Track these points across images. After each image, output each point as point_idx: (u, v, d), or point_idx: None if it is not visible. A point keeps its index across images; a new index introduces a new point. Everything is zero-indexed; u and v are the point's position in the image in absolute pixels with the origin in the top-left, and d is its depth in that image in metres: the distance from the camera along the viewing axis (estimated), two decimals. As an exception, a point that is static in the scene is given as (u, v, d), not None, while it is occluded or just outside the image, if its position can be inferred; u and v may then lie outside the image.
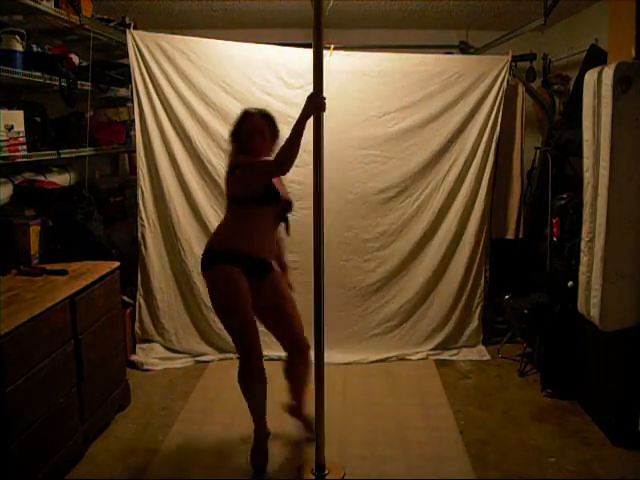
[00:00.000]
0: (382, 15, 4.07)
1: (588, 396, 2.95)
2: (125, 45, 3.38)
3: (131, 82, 3.42)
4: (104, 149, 3.62)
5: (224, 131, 3.48)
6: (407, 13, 4.02)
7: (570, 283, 2.97)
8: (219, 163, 3.51)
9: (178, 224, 3.52)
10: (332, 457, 2.45)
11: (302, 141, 3.43)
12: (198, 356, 3.56)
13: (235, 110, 3.46)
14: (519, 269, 3.89)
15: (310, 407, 2.48)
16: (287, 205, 2.52)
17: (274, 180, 2.47)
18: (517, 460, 2.53)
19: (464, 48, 4.35)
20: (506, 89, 3.63)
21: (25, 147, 2.71)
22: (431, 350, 3.67)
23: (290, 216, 2.56)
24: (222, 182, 3.49)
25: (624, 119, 2.46)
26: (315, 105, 2.22)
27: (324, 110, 2.23)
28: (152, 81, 3.41)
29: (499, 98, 3.59)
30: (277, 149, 2.40)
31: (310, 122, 2.26)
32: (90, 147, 3.34)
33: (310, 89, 2.26)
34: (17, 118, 2.67)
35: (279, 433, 2.73)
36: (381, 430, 2.75)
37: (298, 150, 2.28)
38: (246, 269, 2.40)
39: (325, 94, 2.25)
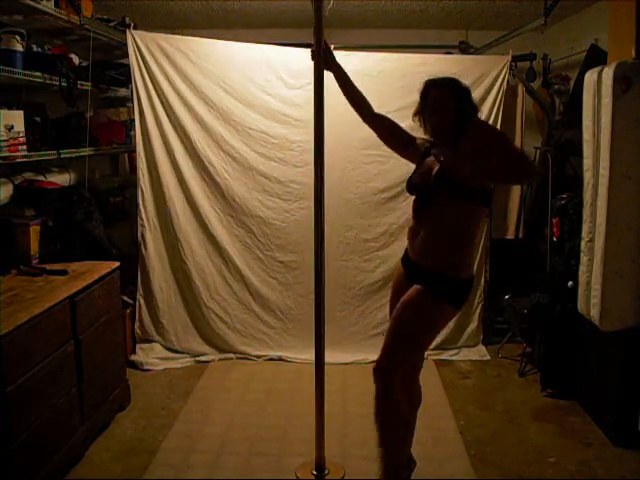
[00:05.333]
0: (382, 15, 4.07)
1: (588, 396, 2.95)
2: (125, 45, 3.38)
3: (131, 82, 3.42)
4: (104, 149, 3.62)
5: (224, 131, 3.50)
6: (407, 13, 4.02)
7: (570, 283, 2.97)
8: (219, 163, 3.51)
9: (178, 224, 3.52)
10: (332, 457, 2.45)
11: (302, 142, 3.44)
12: (198, 356, 3.56)
13: (235, 110, 3.49)
14: (519, 269, 3.89)
15: (310, 408, 2.48)
16: None
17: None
18: (517, 460, 2.53)
19: (464, 48, 4.35)
20: (506, 89, 3.63)
21: (25, 147, 2.71)
22: (431, 350, 3.66)
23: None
24: (222, 181, 3.52)
25: (624, 119, 2.46)
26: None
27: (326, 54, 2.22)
28: (152, 81, 3.41)
29: (499, 98, 3.59)
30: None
31: (310, 123, 2.29)
32: (90, 147, 3.34)
33: (310, 89, 2.27)
34: (17, 118, 2.67)
35: (279, 433, 2.73)
36: (381, 430, 2.75)
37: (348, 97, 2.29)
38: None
39: (325, 94, 2.25)
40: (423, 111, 2.12)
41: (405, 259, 2.20)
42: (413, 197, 2.15)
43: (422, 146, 2.23)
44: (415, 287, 2.05)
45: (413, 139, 2.28)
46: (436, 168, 2.05)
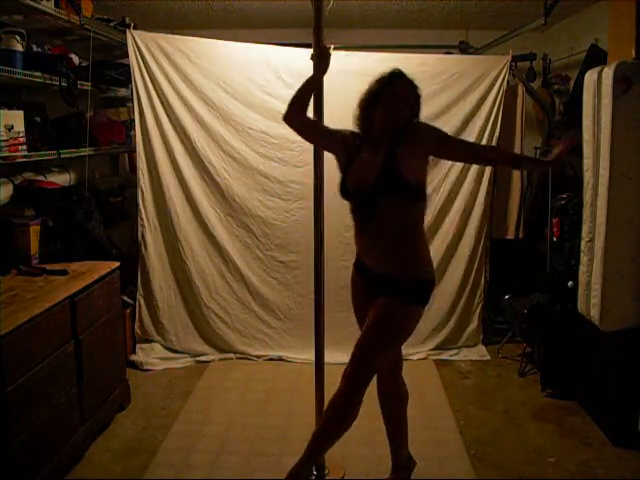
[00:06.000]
0: (382, 15, 4.07)
1: (588, 396, 2.95)
2: (125, 45, 3.38)
3: (131, 82, 3.42)
4: (104, 149, 3.62)
5: (224, 131, 3.50)
6: (407, 13, 4.02)
7: (570, 283, 2.97)
8: (219, 163, 3.51)
9: (178, 224, 3.52)
10: (332, 457, 2.45)
11: (302, 142, 3.43)
12: (198, 356, 3.56)
13: (235, 110, 3.49)
14: (519, 269, 3.90)
15: (310, 408, 2.48)
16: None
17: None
18: (517, 460, 2.53)
19: (464, 48, 4.35)
20: (506, 89, 3.63)
21: (25, 147, 2.71)
22: (431, 350, 3.67)
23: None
24: (222, 181, 3.52)
25: (624, 119, 2.46)
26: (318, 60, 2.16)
27: (326, 58, 2.18)
28: (152, 81, 3.41)
29: (499, 98, 3.59)
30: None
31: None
32: (90, 147, 3.34)
33: (310, 89, 2.26)
34: (17, 118, 2.67)
35: (279, 433, 2.73)
36: (381, 430, 2.73)
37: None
38: None
39: (325, 94, 2.25)
40: (378, 99, 2.00)
41: (362, 269, 2.11)
42: (376, 214, 1.96)
43: (350, 140, 2.10)
44: (383, 299, 1.98)
45: (333, 132, 2.16)
46: (377, 167, 1.94)
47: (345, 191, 2.05)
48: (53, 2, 2.88)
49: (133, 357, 3.47)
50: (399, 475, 2.31)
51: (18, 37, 2.73)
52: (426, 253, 2.06)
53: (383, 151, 1.96)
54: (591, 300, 2.65)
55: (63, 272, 2.56)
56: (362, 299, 2.13)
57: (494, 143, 3.63)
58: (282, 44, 3.60)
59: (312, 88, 2.20)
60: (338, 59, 3.47)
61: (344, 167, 2.09)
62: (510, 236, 3.98)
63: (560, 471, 2.46)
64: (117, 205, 3.80)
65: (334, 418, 2.00)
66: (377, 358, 2.01)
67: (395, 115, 1.98)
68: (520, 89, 3.88)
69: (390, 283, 1.99)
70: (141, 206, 3.50)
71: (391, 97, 1.98)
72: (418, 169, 1.96)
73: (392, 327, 2.00)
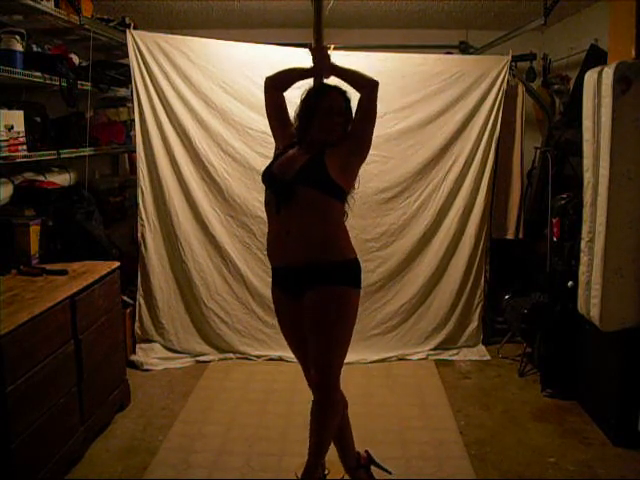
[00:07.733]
0: (382, 15, 4.07)
1: (588, 396, 2.95)
2: (125, 45, 3.38)
3: (131, 82, 3.42)
4: (104, 149, 3.62)
5: (224, 131, 3.50)
6: (407, 13, 4.02)
7: (570, 283, 2.97)
8: (219, 163, 3.51)
9: (178, 224, 3.52)
10: (332, 457, 2.45)
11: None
12: (198, 356, 3.57)
13: (235, 110, 3.49)
14: (519, 269, 3.89)
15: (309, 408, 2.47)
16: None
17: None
18: (517, 460, 2.53)
19: (464, 48, 4.35)
20: (506, 89, 3.63)
21: (25, 147, 2.71)
22: (431, 350, 3.67)
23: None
24: (222, 181, 3.52)
25: (624, 119, 2.46)
26: (317, 59, 2.17)
27: (327, 59, 2.18)
28: (152, 81, 3.41)
29: (499, 98, 3.59)
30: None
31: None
32: (90, 147, 3.34)
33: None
34: (17, 118, 2.67)
35: (279, 433, 2.73)
36: (381, 430, 2.75)
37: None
38: None
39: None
40: (313, 113, 2.07)
41: (280, 277, 2.13)
42: (292, 200, 1.99)
43: (293, 136, 2.18)
44: (313, 293, 2.00)
45: (291, 123, 2.22)
46: (303, 160, 2.03)
47: (269, 176, 2.09)
48: (53, 2, 2.88)
49: (133, 357, 3.47)
50: (358, 476, 2.29)
51: (18, 37, 2.73)
52: (346, 237, 2.09)
53: (312, 152, 2.05)
54: (591, 300, 2.65)
55: (63, 272, 2.56)
56: (291, 313, 2.12)
57: (494, 143, 3.64)
58: (282, 44, 3.60)
59: (301, 77, 2.23)
60: (338, 59, 3.50)
61: (276, 156, 2.18)
62: (510, 236, 3.97)
63: (560, 471, 2.46)
64: (117, 205, 3.80)
65: (323, 418, 2.06)
66: (337, 355, 2.04)
67: (329, 129, 2.07)
68: (520, 89, 3.88)
69: (315, 270, 2.00)
70: (141, 206, 3.50)
71: (329, 105, 2.06)
72: (342, 170, 2.04)
73: (339, 316, 2.01)
